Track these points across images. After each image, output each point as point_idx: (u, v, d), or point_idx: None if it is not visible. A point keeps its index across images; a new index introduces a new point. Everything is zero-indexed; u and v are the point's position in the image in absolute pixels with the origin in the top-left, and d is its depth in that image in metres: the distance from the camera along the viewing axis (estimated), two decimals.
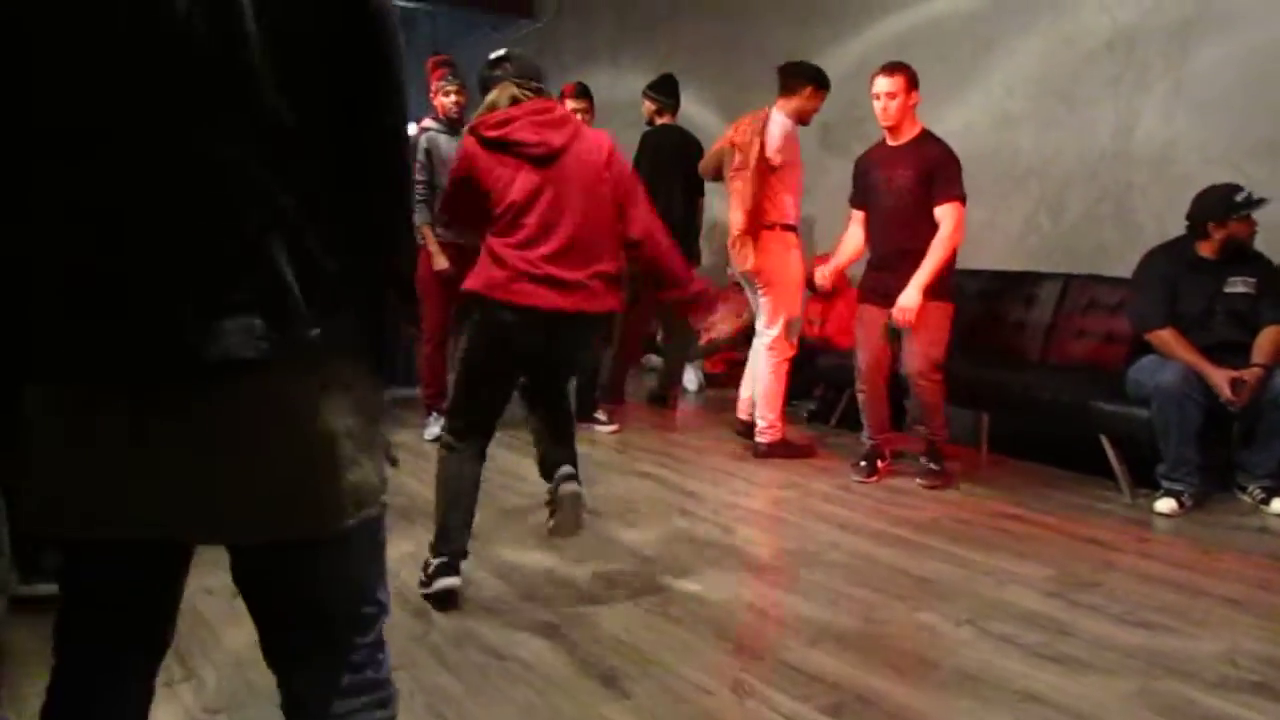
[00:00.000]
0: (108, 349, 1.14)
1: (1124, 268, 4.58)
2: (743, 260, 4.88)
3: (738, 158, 4.90)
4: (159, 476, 1.19)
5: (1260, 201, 3.97)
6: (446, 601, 3.02)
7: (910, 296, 4.21)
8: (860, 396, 4.60)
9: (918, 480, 4.42)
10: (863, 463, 4.57)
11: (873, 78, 4.37)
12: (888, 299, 4.32)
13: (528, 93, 3.01)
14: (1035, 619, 2.93)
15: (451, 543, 3.09)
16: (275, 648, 1.38)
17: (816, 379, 5.77)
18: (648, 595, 3.13)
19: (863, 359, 4.53)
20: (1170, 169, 4.72)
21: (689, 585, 3.21)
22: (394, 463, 1.41)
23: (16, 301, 1.17)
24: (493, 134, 2.93)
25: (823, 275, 4.78)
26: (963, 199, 4.25)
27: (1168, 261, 4.16)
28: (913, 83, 4.31)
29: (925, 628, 2.89)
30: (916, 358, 4.31)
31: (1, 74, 1.11)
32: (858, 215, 4.65)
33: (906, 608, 3.03)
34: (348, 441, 1.25)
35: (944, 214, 4.23)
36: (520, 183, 2.92)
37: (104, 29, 1.10)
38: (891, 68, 4.33)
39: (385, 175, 1.33)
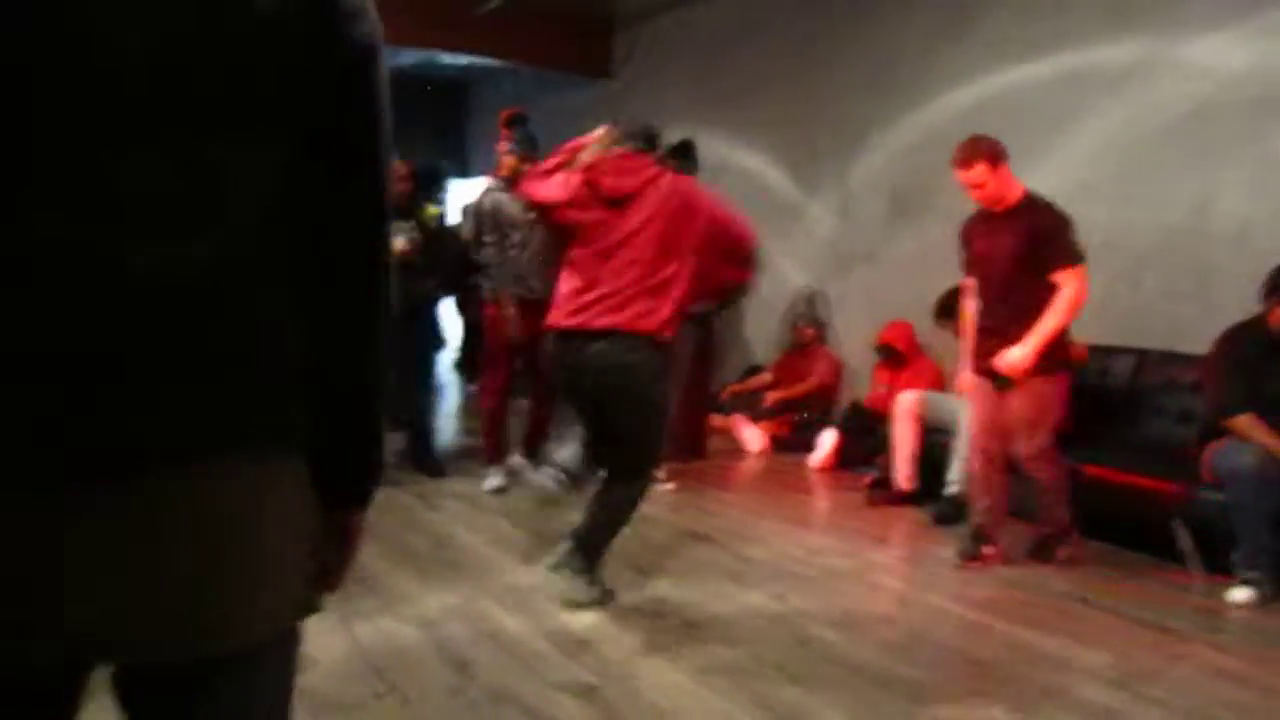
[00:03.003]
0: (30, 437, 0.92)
1: (1202, 345, 4.43)
2: None
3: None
4: (63, 580, 0.95)
5: None
6: None
7: (1017, 353, 3.95)
8: (969, 470, 4.40)
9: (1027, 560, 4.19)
10: (969, 542, 4.25)
11: (953, 167, 4.10)
12: (990, 374, 4.12)
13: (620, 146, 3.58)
14: (1094, 710, 2.80)
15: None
16: None
17: (880, 447, 5.66)
18: (691, 661, 3.06)
19: (974, 429, 4.31)
20: (1251, 246, 4.58)
21: (734, 653, 3.14)
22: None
23: None
24: (585, 173, 3.52)
25: (964, 380, 4.41)
26: (1078, 261, 3.96)
27: (1246, 343, 4.01)
28: (995, 158, 4.01)
29: (978, 714, 2.77)
30: (1021, 436, 4.09)
31: None
32: (969, 284, 4.39)
33: (958, 690, 2.93)
34: (279, 551, 1.06)
35: (1063, 280, 3.95)
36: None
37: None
38: (965, 159, 4.02)
39: (353, 264, 1.09)
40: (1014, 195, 4.09)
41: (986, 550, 4.24)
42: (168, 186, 0.95)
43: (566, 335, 3.46)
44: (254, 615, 1.04)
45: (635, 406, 3.44)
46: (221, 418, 0.99)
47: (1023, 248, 4.00)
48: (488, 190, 5.31)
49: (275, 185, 1.02)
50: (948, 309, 5.36)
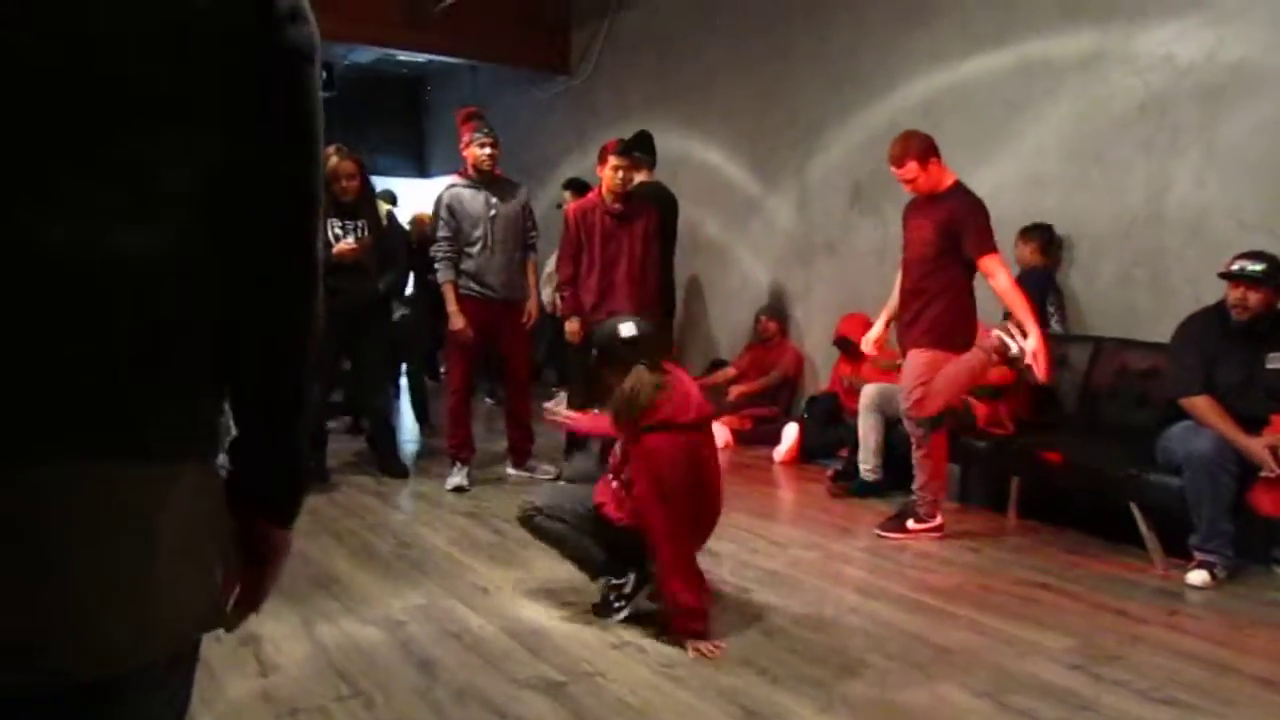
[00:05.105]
0: None
1: (1157, 332, 4.50)
2: None
3: None
4: None
5: (1243, 274, 3.88)
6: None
7: (1033, 341, 4.18)
8: (913, 453, 4.60)
9: (876, 530, 4.54)
10: (892, 520, 4.59)
11: (888, 163, 4.40)
12: (902, 351, 4.49)
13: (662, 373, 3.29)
14: (1056, 693, 2.83)
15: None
16: None
17: (844, 439, 5.70)
18: (656, 656, 3.06)
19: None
20: (1204, 233, 4.65)
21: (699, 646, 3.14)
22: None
23: None
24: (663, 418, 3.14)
25: (867, 343, 4.76)
26: (995, 248, 4.24)
27: (1205, 328, 4.07)
28: (925, 155, 4.28)
29: (941, 699, 2.80)
30: (903, 394, 4.43)
31: None
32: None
33: (923, 676, 2.94)
34: (178, 563, 0.97)
35: (988, 268, 4.22)
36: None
37: None
38: (898, 155, 4.31)
39: (282, 265, 1.05)
40: (944, 184, 4.34)
41: (911, 525, 4.51)
42: (90, 178, 0.90)
43: None
44: (143, 633, 0.95)
45: None
46: (113, 413, 0.91)
47: (937, 232, 4.27)
48: (450, 185, 5.27)
49: (204, 184, 0.98)
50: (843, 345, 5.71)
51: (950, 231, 4.24)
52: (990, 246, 4.23)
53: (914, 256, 4.41)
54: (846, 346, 6.00)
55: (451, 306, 5.15)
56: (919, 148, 4.29)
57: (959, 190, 4.33)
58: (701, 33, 7.74)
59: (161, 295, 0.94)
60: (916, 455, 4.51)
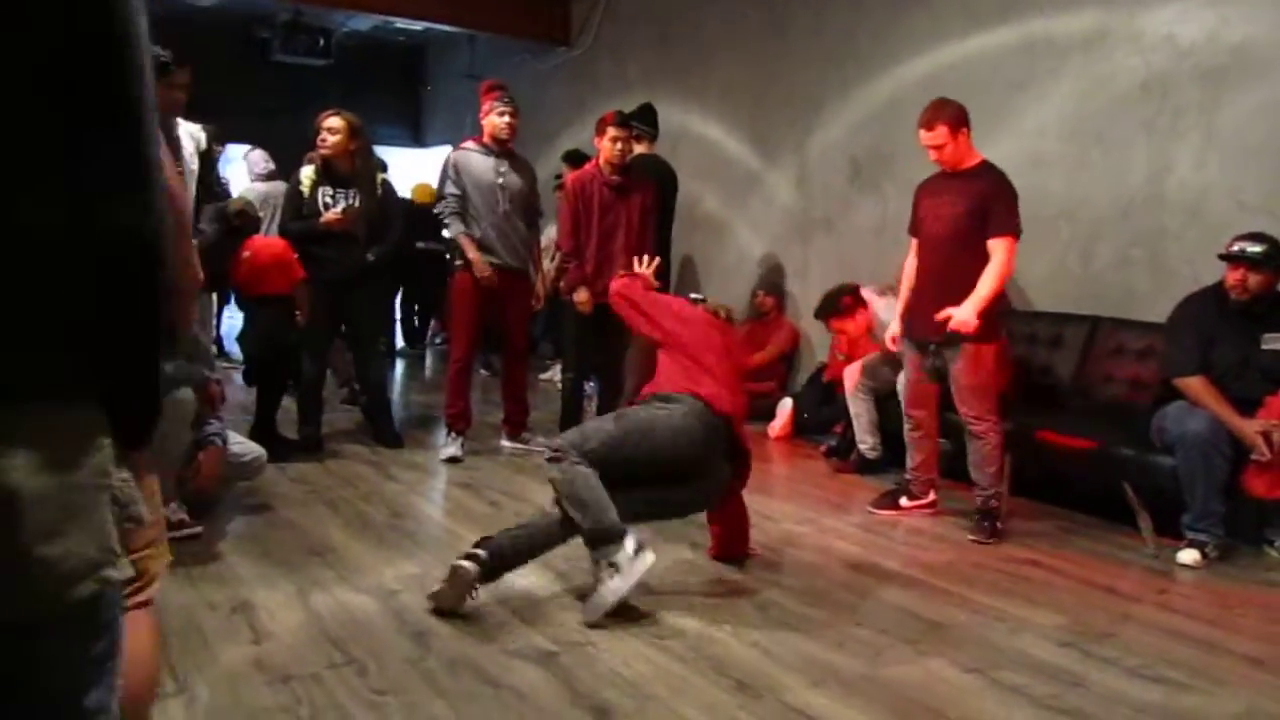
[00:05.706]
0: None
1: (1154, 313, 4.50)
2: None
3: None
4: None
5: (1243, 256, 3.87)
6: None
7: (966, 312, 4.00)
8: (907, 433, 4.53)
9: (969, 537, 4.16)
10: (885, 497, 4.60)
11: (917, 127, 4.22)
12: (924, 339, 4.26)
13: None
14: (1047, 669, 2.84)
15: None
16: None
17: (838, 415, 5.70)
18: (649, 627, 3.07)
19: (906, 399, 4.51)
20: (1204, 215, 4.64)
21: (692, 619, 3.15)
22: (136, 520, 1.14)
23: None
24: None
25: (891, 338, 4.56)
26: (1016, 234, 4.10)
27: (1202, 308, 4.06)
28: (957, 123, 4.12)
29: (932, 674, 2.81)
30: (966, 402, 4.18)
31: None
32: (913, 244, 4.47)
33: (914, 652, 2.96)
34: (41, 505, 0.93)
35: (995, 247, 4.07)
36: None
37: None
38: (930, 119, 4.14)
39: (116, 222, 0.95)
40: (971, 160, 4.20)
41: (904, 503, 4.50)
42: (79, 163, 0.90)
43: None
44: (16, 586, 0.92)
45: None
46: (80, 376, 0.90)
47: (971, 209, 4.12)
48: (462, 148, 5.27)
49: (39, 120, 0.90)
50: (828, 308, 5.61)
51: (984, 208, 4.09)
52: (1013, 229, 4.07)
53: (942, 234, 4.20)
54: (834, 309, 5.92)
55: (472, 253, 5.14)
56: (952, 115, 4.12)
57: (991, 167, 4.18)
58: (701, 6, 7.69)
59: (148, 267, 0.96)
60: (912, 435, 4.50)
